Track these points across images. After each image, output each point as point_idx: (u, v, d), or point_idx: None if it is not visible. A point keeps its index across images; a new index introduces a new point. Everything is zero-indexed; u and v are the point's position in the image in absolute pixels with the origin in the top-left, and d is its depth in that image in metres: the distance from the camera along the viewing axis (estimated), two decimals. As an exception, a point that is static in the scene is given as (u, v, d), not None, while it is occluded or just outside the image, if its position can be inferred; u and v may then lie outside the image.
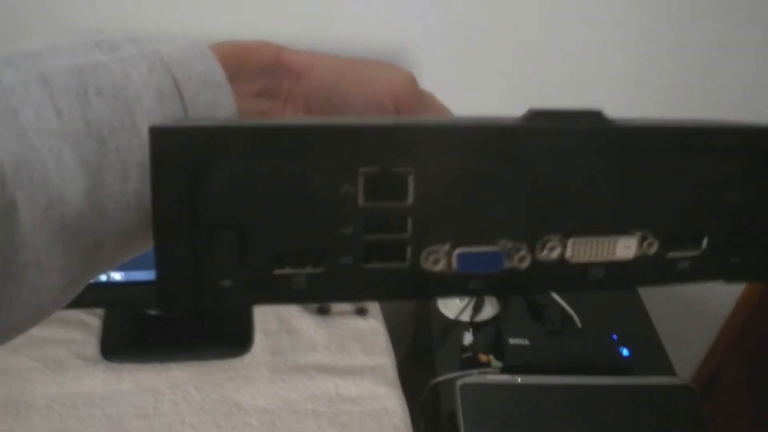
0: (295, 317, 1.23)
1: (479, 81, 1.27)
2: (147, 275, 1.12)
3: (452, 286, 0.29)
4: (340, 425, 1.07)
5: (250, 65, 0.40)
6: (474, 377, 1.17)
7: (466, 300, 1.31)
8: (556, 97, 1.30)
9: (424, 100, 0.44)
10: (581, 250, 0.30)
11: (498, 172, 0.28)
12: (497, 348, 1.24)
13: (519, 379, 1.16)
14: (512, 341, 1.23)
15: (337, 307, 1.25)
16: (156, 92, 0.33)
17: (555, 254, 0.30)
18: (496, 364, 1.21)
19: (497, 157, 0.28)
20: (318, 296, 0.29)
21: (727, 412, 1.75)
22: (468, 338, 1.26)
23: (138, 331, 1.20)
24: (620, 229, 0.31)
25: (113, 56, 0.34)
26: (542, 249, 0.30)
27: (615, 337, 1.30)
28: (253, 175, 0.26)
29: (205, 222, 0.27)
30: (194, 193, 0.26)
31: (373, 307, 1.26)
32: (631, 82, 1.30)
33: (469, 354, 1.24)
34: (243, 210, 0.27)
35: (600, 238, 0.30)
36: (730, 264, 0.33)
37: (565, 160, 0.29)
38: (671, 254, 0.32)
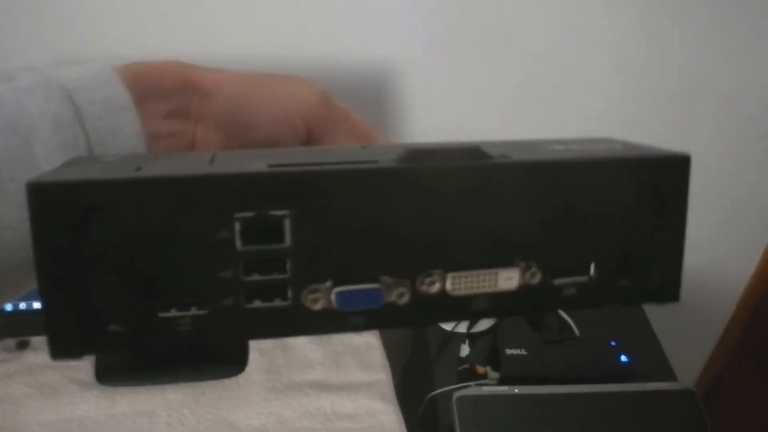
0: (290, 335, 1.22)
1: (470, 96, 1.27)
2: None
3: (334, 322, 0.30)
4: (336, 442, 1.06)
5: (158, 86, 0.39)
6: (471, 389, 1.15)
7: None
8: (549, 109, 1.30)
9: (337, 116, 0.44)
10: (461, 283, 0.31)
11: (373, 213, 0.29)
12: (494, 359, 1.23)
13: (516, 390, 1.15)
14: (509, 352, 1.22)
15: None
16: (53, 121, 0.33)
17: (435, 288, 0.30)
18: (494, 375, 1.20)
19: (372, 199, 0.29)
20: (205, 337, 0.29)
21: (732, 417, 1.73)
22: (465, 350, 1.25)
23: (132, 354, 1.20)
24: (501, 261, 0.31)
25: (8, 86, 0.34)
26: (422, 284, 0.30)
27: (614, 344, 1.29)
28: (131, 224, 0.27)
29: (87, 270, 0.27)
30: (74, 244, 0.26)
31: (368, 322, 1.25)
32: (629, 92, 1.30)
33: (466, 366, 1.23)
34: (124, 257, 0.27)
35: (480, 271, 0.31)
36: (620, 288, 0.33)
37: (440, 198, 0.30)
38: (557, 281, 0.32)
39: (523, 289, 0.31)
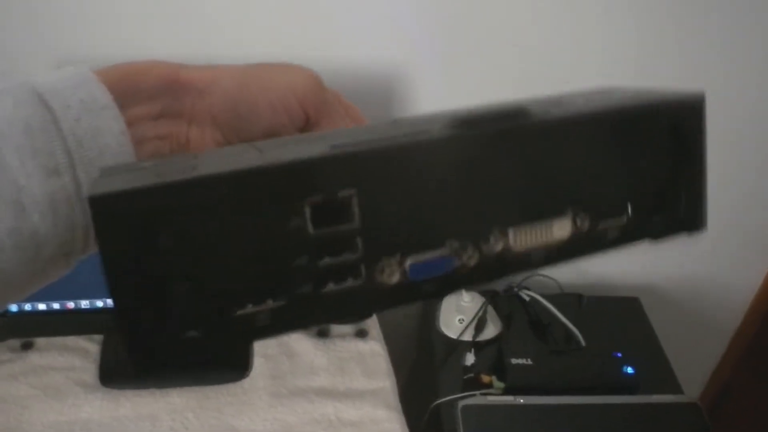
0: (295, 340, 1.22)
1: (470, 97, 1.26)
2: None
3: (408, 293, 0.30)
4: (339, 450, 1.06)
5: (143, 87, 0.38)
6: (475, 399, 1.15)
7: (467, 320, 1.29)
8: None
9: (331, 99, 0.44)
10: (522, 238, 0.32)
11: (433, 182, 0.30)
12: (499, 368, 1.23)
13: (521, 400, 1.15)
14: (514, 361, 1.22)
15: (337, 329, 1.24)
16: (24, 126, 0.33)
17: (499, 246, 0.32)
18: (499, 384, 1.19)
19: (431, 169, 0.30)
20: (284, 328, 0.29)
21: (738, 427, 1.73)
22: (470, 359, 1.25)
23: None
24: (554, 212, 0.33)
25: None
26: (486, 243, 0.31)
27: (619, 354, 1.28)
28: (199, 225, 0.27)
29: (159, 278, 0.26)
30: (144, 254, 0.26)
31: (374, 329, 1.24)
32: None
33: (471, 375, 1.22)
34: (195, 259, 0.27)
35: (537, 224, 0.32)
36: (654, 223, 0.36)
37: (493, 160, 0.31)
38: (602, 225, 0.34)
39: (575, 236, 0.33)
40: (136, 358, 0.27)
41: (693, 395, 1.22)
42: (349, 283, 0.29)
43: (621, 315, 1.44)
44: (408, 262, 0.30)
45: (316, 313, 0.29)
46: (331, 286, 0.29)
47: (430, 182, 0.30)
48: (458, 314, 1.31)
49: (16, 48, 1.11)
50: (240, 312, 0.28)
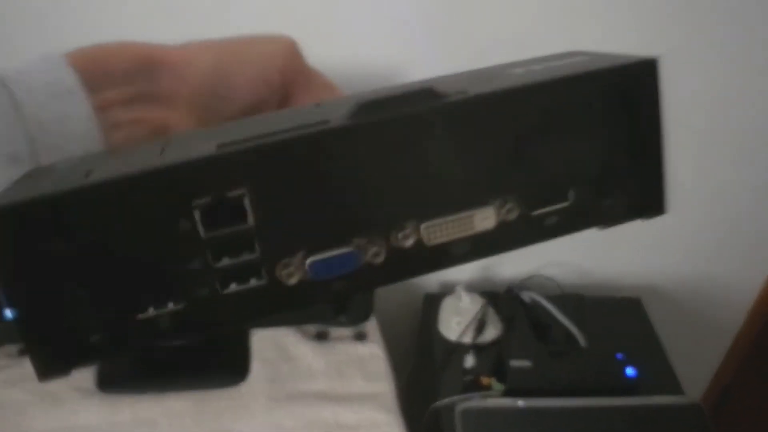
0: (293, 344, 1.21)
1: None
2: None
3: (314, 293, 0.29)
4: (338, 454, 1.05)
5: (115, 69, 0.37)
6: (474, 401, 1.14)
7: (467, 322, 1.29)
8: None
9: (309, 68, 0.43)
10: (436, 232, 0.30)
11: (332, 175, 0.28)
12: (499, 370, 1.22)
13: (520, 403, 1.14)
14: (514, 363, 1.21)
15: (336, 332, 1.23)
16: None
17: (410, 242, 0.30)
18: (498, 386, 1.18)
19: (327, 162, 0.28)
20: (188, 331, 0.29)
21: (740, 428, 1.72)
22: (470, 361, 1.24)
23: (134, 362, 1.19)
24: (474, 202, 0.30)
25: None
26: (396, 239, 0.30)
27: (621, 356, 1.27)
28: (91, 232, 0.26)
29: (58, 285, 0.26)
30: (38, 263, 0.26)
31: (373, 332, 1.24)
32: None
33: (471, 377, 1.21)
34: (92, 265, 0.27)
35: (453, 216, 0.30)
36: (603, 208, 0.33)
37: (399, 148, 0.29)
38: (536, 212, 0.32)
39: (502, 227, 0.31)
40: (39, 363, 0.27)
41: (695, 396, 1.21)
42: (252, 283, 0.28)
43: (622, 316, 1.43)
44: (308, 261, 0.29)
45: (220, 314, 0.28)
46: (233, 287, 0.28)
47: (328, 177, 0.28)
48: (458, 316, 1.30)
49: (16, 46, 1.11)
50: (141, 316, 0.28)
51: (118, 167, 0.28)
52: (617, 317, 1.42)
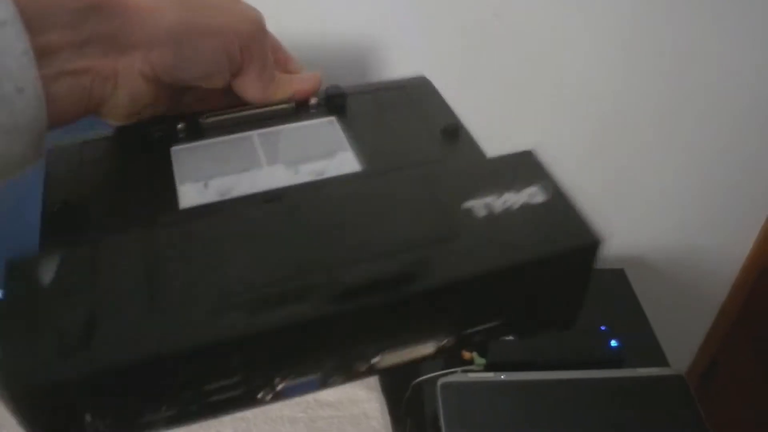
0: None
1: (456, 79, 1.24)
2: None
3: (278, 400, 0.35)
4: (317, 431, 1.04)
5: (65, 8, 0.33)
6: (456, 376, 1.13)
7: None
8: (542, 91, 1.27)
9: (271, 43, 0.43)
10: (387, 359, 0.35)
11: (315, 344, 0.33)
12: (481, 345, 1.20)
13: (503, 377, 1.13)
14: (496, 336, 1.19)
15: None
16: None
17: (365, 367, 0.35)
18: (480, 361, 1.17)
19: (311, 339, 0.33)
20: (178, 424, 0.32)
21: (727, 400, 1.71)
22: (452, 336, 1.23)
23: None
24: (423, 341, 0.35)
25: None
26: (357, 368, 0.35)
27: (605, 328, 1.26)
28: (102, 390, 0.30)
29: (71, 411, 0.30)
30: (57, 409, 0.29)
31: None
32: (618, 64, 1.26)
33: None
34: (100, 400, 0.30)
35: (405, 349, 0.35)
36: (526, 324, 0.38)
37: (375, 327, 0.34)
38: (469, 331, 0.36)
39: (439, 350, 0.36)
40: None
41: (681, 368, 1.20)
42: (231, 395, 0.32)
43: (606, 288, 1.42)
44: (282, 386, 0.33)
45: (204, 412, 0.32)
46: (215, 398, 0.32)
47: (313, 345, 0.32)
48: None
49: None
50: (141, 420, 0.31)
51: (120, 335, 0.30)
52: (601, 289, 1.40)
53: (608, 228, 1.16)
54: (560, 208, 0.36)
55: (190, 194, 0.39)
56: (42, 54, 0.32)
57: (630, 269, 1.46)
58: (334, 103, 0.46)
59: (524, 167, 0.38)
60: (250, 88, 0.43)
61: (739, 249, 1.58)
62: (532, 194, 0.36)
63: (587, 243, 0.35)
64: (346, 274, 0.32)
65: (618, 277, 1.45)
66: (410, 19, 1.17)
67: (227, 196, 0.38)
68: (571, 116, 1.32)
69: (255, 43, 0.41)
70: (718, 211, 1.50)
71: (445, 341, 0.35)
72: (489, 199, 0.35)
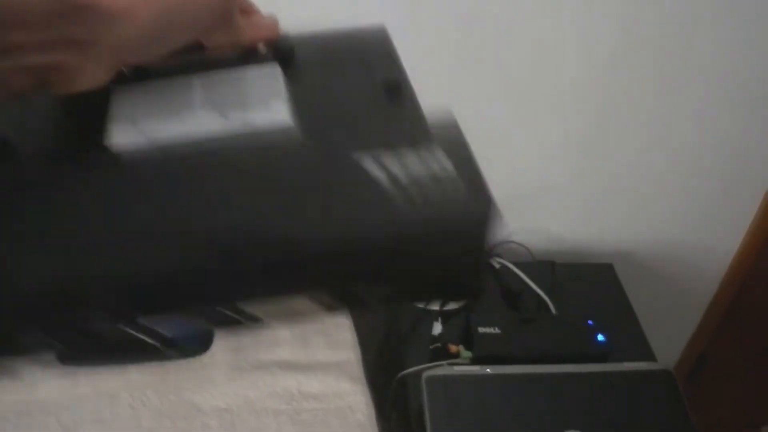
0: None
1: (458, 65, 1.23)
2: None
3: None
4: (301, 424, 1.03)
5: (33, 9, 0.32)
6: (441, 369, 1.13)
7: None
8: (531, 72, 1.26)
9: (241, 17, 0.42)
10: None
11: None
12: (467, 338, 1.20)
13: (488, 370, 1.12)
14: (481, 330, 1.19)
15: (302, 303, 1.21)
16: None
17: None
18: (466, 354, 1.17)
19: None
20: None
21: (715, 395, 1.71)
22: (437, 328, 1.23)
23: (94, 335, 1.16)
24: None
25: None
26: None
27: (592, 323, 1.26)
28: None
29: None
30: None
31: (339, 301, 1.21)
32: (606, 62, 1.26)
33: (439, 345, 1.20)
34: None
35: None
36: (424, 295, 0.41)
37: None
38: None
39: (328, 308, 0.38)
40: None
41: (669, 364, 1.20)
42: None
43: (594, 282, 1.42)
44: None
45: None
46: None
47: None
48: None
49: None
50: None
51: None
52: (589, 283, 1.41)
53: (597, 222, 1.16)
54: (463, 176, 0.35)
55: (118, 133, 0.39)
56: (4, 52, 0.32)
57: (618, 264, 1.46)
58: (280, 51, 0.46)
59: (441, 131, 0.38)
60: (211, 41, 0.42)
61: (728, 245, 1.58)
62: (437, 160, 0.36)
63: (475, 215, 0.34)
64: (222, 233, 0.32)
65: (606, 271, 1.44)
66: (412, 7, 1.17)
67: (154, 138, 0.38)
68: (562, 113, 1.31)
69: (225, 21, 0.40)
70: (707, 208, 1.50)
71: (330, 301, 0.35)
72: (389, 161, 0.35)
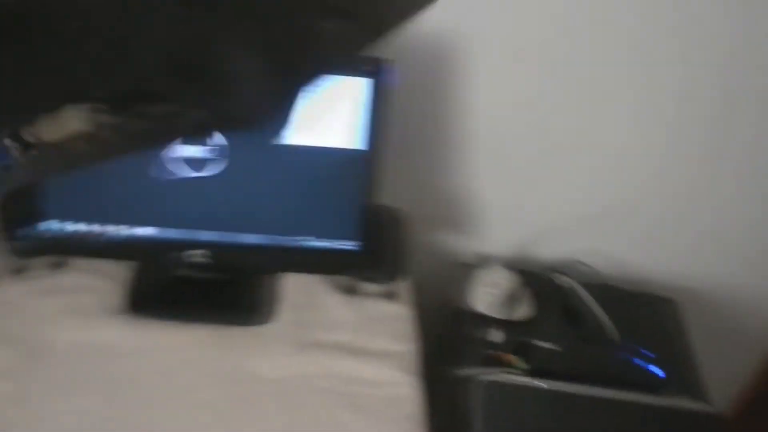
0: (323, 293, 1.21)
1: (533, 70, 1.24)
2: (180, 234, 1.11)
3: None
4: (352, 407, 1.05)
5: None
6: (496, 376, 1.14)
7: (500, 297, 1.27)
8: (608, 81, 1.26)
9: None
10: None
11: None
12: (525, 349, 1.21)
13: (543, 384, 1.13)
14: (541, 344, 1.20)
15: (367, 288, 1.23)
16: None
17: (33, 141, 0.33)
18: (522, 365, 1.17)
19: None
20: None
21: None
22: (496, 335, 1.23)
23: (166, 289, 1.20)
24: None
25: None
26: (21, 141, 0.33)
27: (649, 353, 1.25)
28: None
29: None
30: None
31: (404, 293, 1.23)
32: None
33: (495, 352, 1.20)
34: None
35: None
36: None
37: None
38: None
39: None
40: None
41: (721, 405, 1.19)
42: None
43: (656, 314, 1.41)
44: None
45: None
46: None
47: None
48: (490, 290, 1.29)
49: None
50: None
51: None
52: (651, 314, 1.40)
53: (666, 251, 1.15)
54: None
55: None
56: None
57: (682, 299, 1.45)
58: None
59: None
60: None
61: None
62: None
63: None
64: None
65: (670, 305, 1.43)
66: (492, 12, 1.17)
67: None
68: (634, 144, 1.32)
69: None
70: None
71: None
72: None
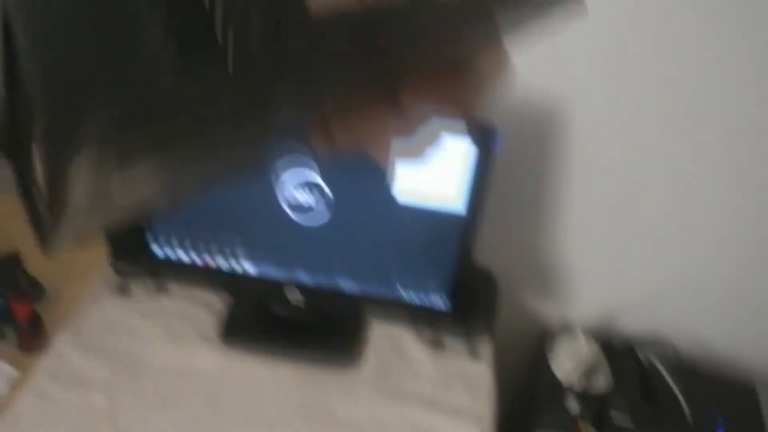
0: (408, 344, 1.24)
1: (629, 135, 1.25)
2: (279, 273, 1.16)
3: None
4: (426, 460, 1.08)
5: None
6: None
7: (581, 368, 1.28)
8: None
9: None
10: None
11: None
12: (600, 421, 1.21)
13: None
14: (616, 415, 1.20)
15: (452, 344, 1.25)
16: None
17: None
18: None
19: None
20: None
21: None
22: (574, 405, 1.24)
23: (259, 324, 1.24)
24: None
25: None
26: None
27: (722, 431, 1.24)
28: None
29: None
30: None
31: (487, 352, 1.25)
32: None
33: (572, 421, 1.22)
34: None
35: None
36: None
37: None
38: None
39: None
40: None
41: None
42: None
43: (734, 400, 1.39)
44: None
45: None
46: None
47: None
48: (572, 359, 1.30)
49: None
50: None
51: None
52: (729, 400, 1.38)
53: (747, 339, 1.13)
54: None
55: None
56: None
57: (762, 386, 1.43)
58: None
59: None
60: None
61: None
62: None
63: None
64: None
65: (749, 392, 1.42)
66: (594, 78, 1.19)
67: None
68: (729, 213, 1.31)
69: None
70: None
71: None
72: None
